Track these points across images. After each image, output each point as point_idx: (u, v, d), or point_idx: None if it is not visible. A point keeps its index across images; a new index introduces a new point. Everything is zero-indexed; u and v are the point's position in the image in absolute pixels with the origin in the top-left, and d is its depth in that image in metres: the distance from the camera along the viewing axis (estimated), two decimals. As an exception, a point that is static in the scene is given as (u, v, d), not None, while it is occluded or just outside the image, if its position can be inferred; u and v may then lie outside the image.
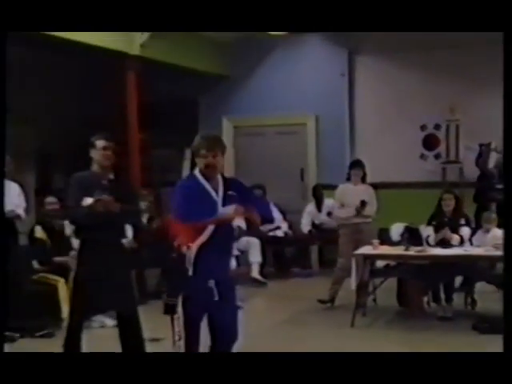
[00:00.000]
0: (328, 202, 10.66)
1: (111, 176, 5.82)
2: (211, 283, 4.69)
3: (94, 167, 5.80)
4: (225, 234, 4.74)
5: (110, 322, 7.51)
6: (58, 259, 8.04)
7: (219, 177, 4.81)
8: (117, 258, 5.80)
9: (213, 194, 4.74)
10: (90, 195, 5.51)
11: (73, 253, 8.22)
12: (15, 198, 7.92)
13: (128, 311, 5.92)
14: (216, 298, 4.70)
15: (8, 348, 7.12)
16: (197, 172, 4.79)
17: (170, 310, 5.00)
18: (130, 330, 5.95)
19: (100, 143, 5.73)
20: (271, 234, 11.23)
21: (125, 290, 5.90)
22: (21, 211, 7.95)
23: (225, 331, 4.82)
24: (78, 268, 5.85)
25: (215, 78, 12.15)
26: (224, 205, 4.71)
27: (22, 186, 8.29)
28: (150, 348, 6.78)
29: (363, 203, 8.51)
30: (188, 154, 12.59)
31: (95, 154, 5.75)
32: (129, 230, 8.13)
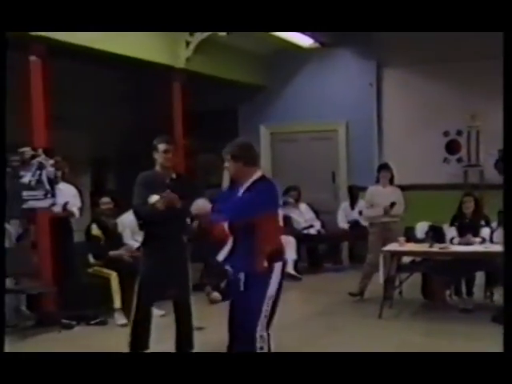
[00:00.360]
0: (360, 202, 10.63)
1: (173, 175, 5.91)
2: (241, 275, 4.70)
3: (157, 168, 5.87)
4: None
5: (157, 311, 7.57)
6: (112, 253, 8.13)
7: (249, 181, 4.75)
8: (177, 251, 5.89)
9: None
10: (155, 193, 5.58)
11: (126, 246, 8.36)
12: (71, 199, 8.04)
13: (185, 300, 6.01)
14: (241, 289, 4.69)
15: (65, 334, 7.26)
16: None
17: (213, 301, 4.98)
18: (185, 317, 6.00)
19: (161, 146, 5.79)
20: (305, 232, 11.23)
21: (184, 280, 6.00)
22: (75, 210, 8.07)
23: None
24: (143, 260, 5.90)
25: (253, 88, 12.18)
26: None
27: (77, 188, 8.41)
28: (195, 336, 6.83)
29: (392, 204, 8.50)
30: (229, 158, 12.72)
31: (158, 156, 5.81)
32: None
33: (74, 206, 8.11)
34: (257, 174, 4.77)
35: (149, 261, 5.83)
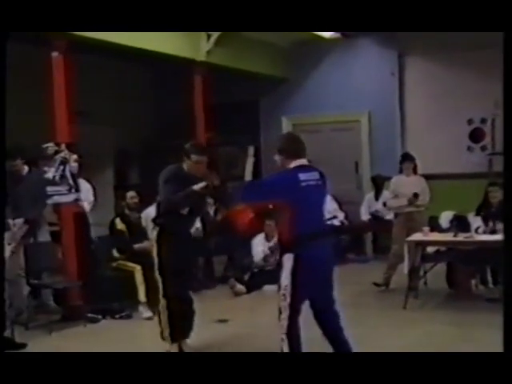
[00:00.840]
0: (384, 193, 10.55)
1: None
2: None
3: (183, 166, 5.79)
4: None
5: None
6: (137, 246, 8.14)
7: None
8: (187, 245, 5.92)
9: None
10: (187, 187, 5.53)
11: (151, 240, 8.38)
12: (84, 193, 8.08)
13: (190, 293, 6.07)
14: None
15: (91, 328, 7.31)
16: None
17: None
18: (189, 313, 6.02)
19: (194, 157, 5.67)
20: (328, 223, 11.18)
21: (190, 273, 6.09)
22: (86, 204, 8.10)
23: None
24: (158, 254, 5.91)
25: (275, 80, 12.14)
26: None
27: (91, 183, 8.47)
28: (217, 327, 6.86)
29: (416, 195, 8.45)
30: (251, 151, 12.68)
31: (188, 164, 5.72)
32: (197, 221, 8.20)
33: (86, 200, 8.15)
34: (293, 164, 4.79)
35: (165, 255, 5.84)
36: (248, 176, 12.57)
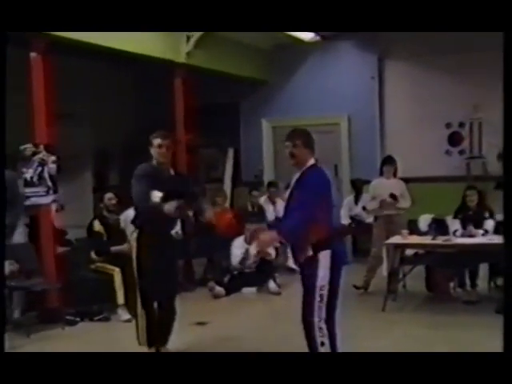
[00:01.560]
0: (364, 197, 10.56)
1: (172, 172, 5.87)
2: None
3: (154, 162, 5.81)
4: None
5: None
6: (114, 248, 8.09)
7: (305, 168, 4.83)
8: (169, 247, 5.87)
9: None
10: (156, 188, 5.49)
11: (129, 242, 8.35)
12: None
13: (172, 299, 6.01)
14: None
15: (69, 331, 7.27)
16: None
17: None
18: (169, 317, 5.98)
19: (156, 141, 5.73)
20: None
21: (172, 277, 5.97)
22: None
23: None
24: (137, 256, 5.88)
25: (255, 82, 12.18)
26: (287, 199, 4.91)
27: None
28: (196, 330, 6.85)
29: (392, 196, 8.50)
30: (231, 153, 12.73)
31: (153, 151, 5.76)
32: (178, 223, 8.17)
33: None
34: (311, 161, 4.84)
35: (144, 257, 5.81)
36: (228, 178, 12.65)
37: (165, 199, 5.42)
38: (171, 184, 5.66)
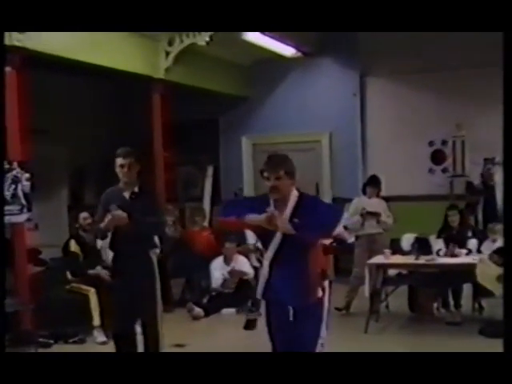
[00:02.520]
0: (344, 215, 10.54)
1: (136, 189, 5.74)
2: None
3: (121, 183, 5.77)
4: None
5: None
6: (91, 272, 8.08)
7: (293, 198, 4.34)
8: (143, 269, 5.77)
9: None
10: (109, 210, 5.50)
11: (105, 263, 8.31)
12: None
13: (152, 321, 5.90)
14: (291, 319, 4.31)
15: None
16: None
17: (250, 325, 4.62)
18: (151, 339, 5.89)
19: (117, 161, 5.66)
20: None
21: (150, 298, 5.87)
22: None
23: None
24: (112, 278, 5.85)
25: (235, 99, 12.19)
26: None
27: None
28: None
29: (369, 213, 8.52)
30: (210, 170, 12.72)
31: (117, 171, 5.70)
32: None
33: None
34: (294, 192, 4.38)
35: (117, 281, 5.80)
36: (207, 196, 12.63)
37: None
38: (130, 204, 5.60)
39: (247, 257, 9.70)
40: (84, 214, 8.34)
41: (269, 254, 4.37)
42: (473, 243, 8.15)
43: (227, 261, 9.39)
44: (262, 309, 4.51)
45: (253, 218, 4.24)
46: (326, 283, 4.43)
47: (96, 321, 7.66)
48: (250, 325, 7.19)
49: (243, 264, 9.44)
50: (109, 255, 8.39)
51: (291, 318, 4.31)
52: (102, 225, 5.53)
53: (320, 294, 4.34)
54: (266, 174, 4.33)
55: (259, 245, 7.54)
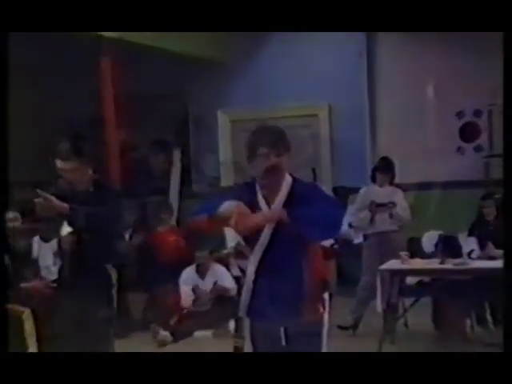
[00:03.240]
0: (350, 209, 10.51)
1: (90, 188, 5.68)
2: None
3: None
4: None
5: None
6: (24, 285, 8.12)
7: (285, 185, 4.32)
8: (97, 286, 5.76)
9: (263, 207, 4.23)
10: None
11: (41, 274, 8.27)
12: None
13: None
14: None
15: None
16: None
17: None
18: None
19: (57, 163, 5.51)
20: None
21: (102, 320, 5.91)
22: None
23: None
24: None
25: (207, 64, 12.05)
26: None
27: None
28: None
29: (383, 205, 8.59)
30: (177, 155, 12.64)
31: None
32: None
33: None
34: (288, 175, 4.39)
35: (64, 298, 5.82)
36: (174, 188, 12.55)
37: None
38: (88, 203, 5.53)
39: (227, 266, 9.63)
40: (11, 214, 8.42)
41: (254, 258, 4.30)
42: (514, 242, 8.11)
43: (201, 273, 9.31)
44: (246, 330, 4.44)
45: (227, 207, 4.08)
46: (327, 296, 4.43)
47: (32, 348, 7.60)
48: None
49: (223, 277, 9.37)
50: (49, 263, 8.43)
51: (283, 343, 4.27)
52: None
53: (320, 309, 4.34)
54: (262, 151, 4.20)
55: (241, 243, 7.43)
